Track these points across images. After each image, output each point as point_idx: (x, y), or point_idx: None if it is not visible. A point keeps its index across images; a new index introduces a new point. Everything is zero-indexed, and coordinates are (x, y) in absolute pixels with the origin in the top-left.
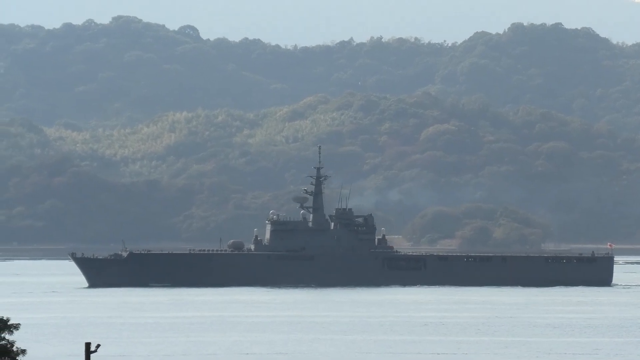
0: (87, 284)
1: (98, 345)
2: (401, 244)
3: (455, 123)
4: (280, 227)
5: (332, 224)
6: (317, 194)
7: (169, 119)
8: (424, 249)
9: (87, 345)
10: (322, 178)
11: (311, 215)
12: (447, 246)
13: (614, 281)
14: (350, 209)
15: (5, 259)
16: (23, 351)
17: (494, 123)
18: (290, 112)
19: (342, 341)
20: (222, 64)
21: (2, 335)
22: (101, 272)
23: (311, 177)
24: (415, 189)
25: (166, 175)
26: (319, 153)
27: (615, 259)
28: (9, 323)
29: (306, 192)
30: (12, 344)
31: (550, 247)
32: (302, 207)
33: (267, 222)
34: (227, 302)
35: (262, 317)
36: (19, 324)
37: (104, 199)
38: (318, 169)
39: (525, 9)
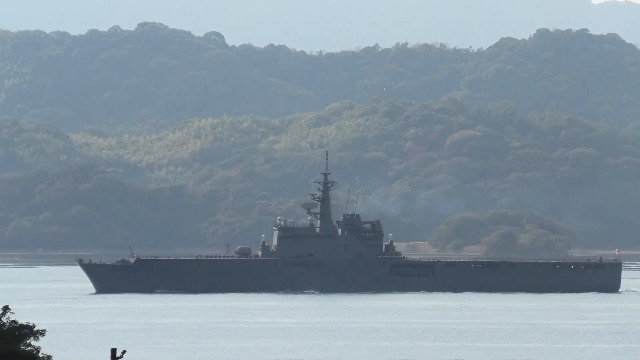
0: (94, 290)
1: (124, 352)
2: (427, 250)
3: (481, 129)
4: (288, 233)
5: (340, 230)
6: (325, 200)
7: (194, 125)
8: (450, 255)
9: (113, 351)
10: (330, 184)
11: (319, 222)
12: (473, 252)
13: (621, 287)
14: (357, 215)
15: (31, 265)
16: (49, 357)
17: (519, 129)
18: (315, 118)
19: (368, 348)
20: (248, 70)
21: (28, 341)
22: (108, 279)
23: (318, 183)
24: (441, 195)
25: (191, 182)
26: (326, 159)
27: (629, 265)
28: (34, 329)
29: (313, 198)
30: (38, 350)
31: (576, 254)
32: (309, 213)
33: (274, 228)
34: (245, 309)
35: (281, 323)
36: (45, 330)
37: (130, 205)
38: (325, 175)
39: (551, 15)
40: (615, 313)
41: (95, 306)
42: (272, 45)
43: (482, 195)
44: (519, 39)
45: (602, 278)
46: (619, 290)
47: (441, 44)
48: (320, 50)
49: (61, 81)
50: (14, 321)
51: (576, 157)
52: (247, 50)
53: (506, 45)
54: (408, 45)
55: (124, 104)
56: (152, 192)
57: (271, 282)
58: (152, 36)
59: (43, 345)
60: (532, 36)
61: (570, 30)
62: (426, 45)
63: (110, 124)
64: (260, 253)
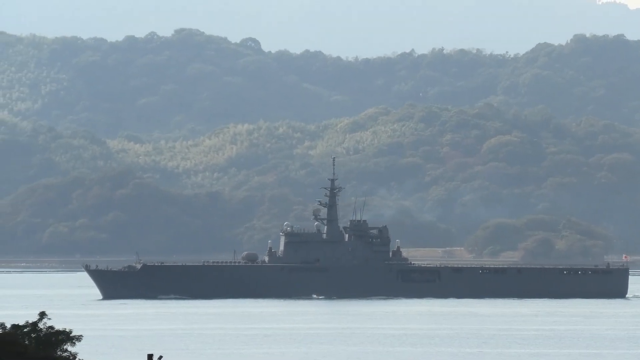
0: (101, 297)
1: (160, 357)
2: (463, 256)
3: (518, 134)
4: (295, 239)
5: (347, 235)
6: (332, 205)
7: (230, 131)
8: (485, 261)
9: (150, 357)
10: (337, 190)
11: (325, 227)
12: (510, 258)
13: (629, 293)
14: (364, 221)
15: (67, 271)
16: None
17: (556, 134)
18: (351, 123)
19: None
20: (283, 76)
21: (65, 347)
22: (115, 284)
23: (325, 188)
24: (478, 200)
25: (227, 187)
26: (333, 165)
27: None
28: (71, 335)
29: (320, 203)
30: (74, 356)
31: (613, 259)
32: (316, 218)
33: (281, 233)
34: (261, 314)
35: (299, 329)
36: (81, 335)
37: (166, 210)
38: (332, 181)
39: (588, 21)
40: (622, 319)
41: (109, 312)
42: (308, 51)
43: (519, 200)
44: (556, 44)
45: (610, 284)
46: (627, 296)
47: (477, 50)
48: (356, 56)
49: (98, 87)
50: (51, 327)
51: (613, 163)
52: (283, 56)
53: (543, 51)
54: (444, 51)
55: (160, 110)
56: (189, 197)
57: (277, 288)
58: (188, 42)
59: (83, 351)
60: (569, 41)
61: (607, 35)
62: (462, 51)
63: (147, 130)
64: (267, 259)
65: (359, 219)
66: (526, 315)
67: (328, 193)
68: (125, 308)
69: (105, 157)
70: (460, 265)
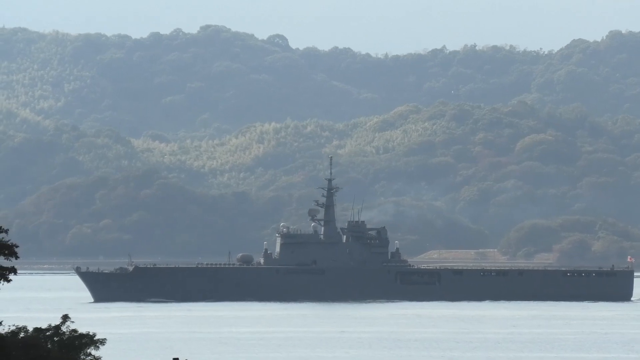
0: (92, 299)
1: None
2: (497, 258)
3: (552, 133)
4: (291, 240)
5: (344, 237)
6: (329, 206)
7: (257, 130)
8: (520, 263)
9: None
10: (334, 190)
11: (322, 228)
12: (545, 260)
13: (634, 296)
14: (362, 222)
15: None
16: None
17: (591, 133)
18: (380, 122)
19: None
20: (312, 74)
21: (88, 350)
22: (106, 287)
23: (322, 188)
24: (511, 201)
25: (254, 187)
26: (330, 164)
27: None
28: (95, 338)
29: (317, 204)
30: (98, 359)
31: None
32: (313, 219)
33: (277, 234)
34: (278, 317)
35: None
36: (105, 339)
37: (192, 211)
38: (329, 180)
39: (624, 17)
40: (626, 322)
41: (99, 315)
42: (336, 48)
43: (553, 201)
44: (591, 40)
45: (614, 286)
46: (632, 299)
47: (511, 46)
48: (386, 53)
49: (122, 85)
50: (74, 330)
51: None
52: (311, 53)
53: (578, 47)
54: (476, 47)
55: (185, 108)
56: (214, 198)
57: (273, 290)
58: (214, 39)
59: (103, 354)
60: (605, 38)
61: None
62: (495, 47)
63: (172, 128)
64: (262, 261)
65: (357, 220)
66: (526, 318)
67: (325, 193)
68: (115, 311)
69: (130, 156)
70: (460, 268)
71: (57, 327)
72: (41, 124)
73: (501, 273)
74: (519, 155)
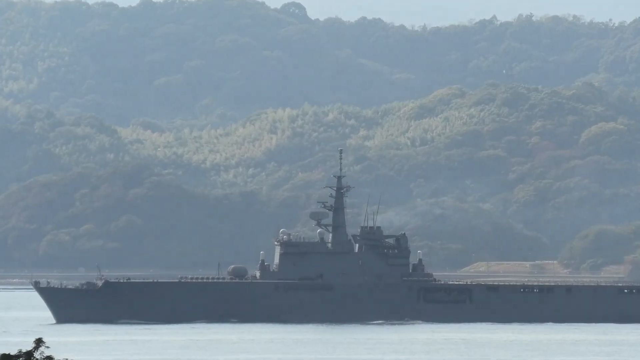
0: (54, 320)
1: None
2: (557, 271)
3: (624, 121)
4: (292, 250)
5: (357, 245)
6: (338, 208)
7: (269, 118)
8: (585, 277)
9: None
10: (344, 189)
11: (330, 235)
12: (615, 274)
13: None
14: (378, 227)
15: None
16: None
17: None
18: (417, 107)
19: None
20: (334, 50)
21: None
22: (70, 306)
23: (331, 188)
24: (575, 202)
25: (265, 186)
26: (340, 158)
27: None
28: None
29: (324, 206)
30: None
31: None
32: (319, 224)
33: (275, 243)
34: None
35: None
36: None
37: (191, 214)
38: (339, 178)
39: None
40: None
41: (64, 339)
42: (364, 18)
43: (625, 203)
44: None
45: None
46: None
47: (574, 17)
48: (424, 24)
49: (107, 63)
50: (50, 357)
51: None
52: (333, 25)
53: None
54: (533, 18)
55: (183, 91)
56: (218, 198)
57: (271, 309)
58: (218, 8)
59: None
60: None
61: None
62: (555, 18)
63: (167, 115)
64: (258, 274)
65: (372, 225)
66: (574, 343)
67: (334, 193)
68: (76, 335)
69: (116, 149)
70: (496, 283)
71: (29, 354)
72: (10, 109)
73: (545, 289)
74: (584, 148)
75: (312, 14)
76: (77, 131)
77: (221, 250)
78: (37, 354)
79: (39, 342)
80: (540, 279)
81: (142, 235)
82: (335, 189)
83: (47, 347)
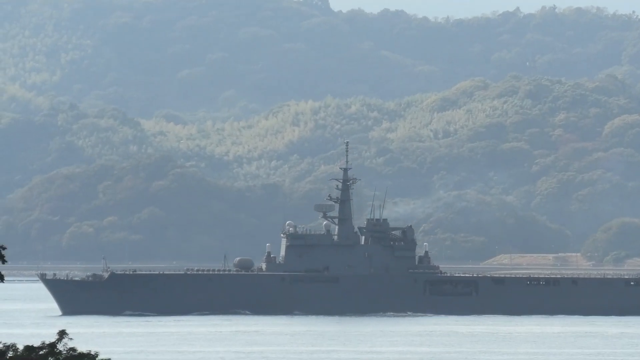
0: (59, 312)
1: None
2: (580, 263)
3: None
4: (298, 242)
5: (363, 238)
6: (344, 200)
7: (291, 110)
8: (608, 270)
9: None
10: (350, 181)
11: (336, 228)
12: (637, 266)
13: None
14: (385, 220)
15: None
16: None
17: None
18: (440, 100)
19: None
20: (357, 42)
21: None
22: (76, 297)
23: (337, 180)
24: (598, 195)
25: (288, 178)
26: (346, 150)
27: None
28: (97, 358)
29: (330, 198)
30: None
31: None
32: (325, 216)
33: (282, 235)
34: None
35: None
36: (109, 359)
37: (213, 207)
38: (345, 170)
39: None
40: None
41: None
42: (387, 10)
43: None
44: None
45: None
46: None
47: (598, 8)
48: (447, 16)
49: (130, 56)
50: (73, 349)
51: None
52: (356, 17)
53: None
54: (557, 10)
55: (205, 83)
56: (240, 191)
57: (277, 301)
58: (240, 0)
59: None
60: None
61: None
62: (579, 10)
63: (189, 108)
64: (264, 266)
65: (378, 217)
66: (579, 336)
67: (340, 185)
68: (82, 327)
69: (139, 141)
70: (502, 276)
71: (53, 345)
72: (33, 101)
73: (551, 282)
74: (607, 140)
75: (334, 5)
76: (100, 123)
77: (242, 242)
78: (60, 346)
79: (62, 334)
80: (563, 272)
81: (164, 227)
82: (341, 181)
83: (71, 338)
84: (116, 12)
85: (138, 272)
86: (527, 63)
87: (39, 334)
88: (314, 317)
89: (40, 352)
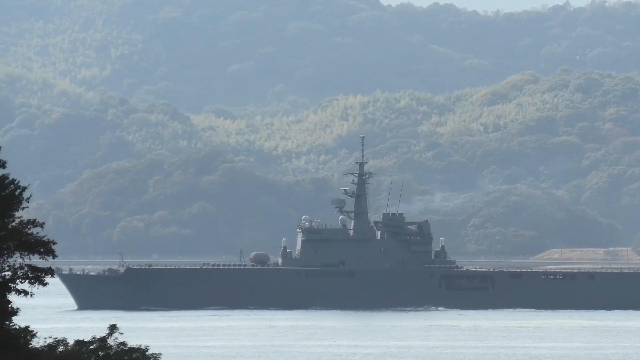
0: (75, 307)
1: None
2: (631, 257)
3: None
4: (314, 237)
5: (379, 232)
6: (360, 195)
7: (340, 104)
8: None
9: None
10: (366, 176)
11: (352, 222)
12: None
13: None
14: (401, 214)
15: None
16: None
17: None
18: (490, 93)
19: None
20: (406, 36)
21: None
22: (92, 292)
23: (353, 174)
24: None
25: (337, 173)
26: (362, 144)
27: None
28: (147, 352)
29: (346, 192)
30: None
31: None
32: (341, 211)
33: (297, 230)
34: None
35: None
36: (160, 353)
37: (263, 201)
38: (361, 165)
39: None
40: None
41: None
42: (436, 4)
43: None
44: None
45: None
46: None
47: None
48: (497, 10)
49: (179, 51)
50: (123, 343)
51: None
52: (405, 11)
53: None
54: (606, 4)
55: (255, 78)
56: (290, 185)
57: (293, 296)
58: None
59: None
60: None
61: None
62: (629, 4)
63: (239, 102)
64: (280, 261)
65: (394, 212)
66: (597, 330)
67: (355, 180)
68: (97, 321)
69: (189, 135)
70: (518, 270)
71: (103, 340)
72: (83, 96)
73: (568, 276)
74: None
75: (383, 0)
76: (150, 118)
77: (292, 235)
78: (110, 340)
79: (112, 328)
80: (614, 266)
81: (214, 221)
82: (357, 175)
83: (121, 333)
84: (166, 7)
85: (154, 267)
86: (577, 57)
87: (56, 329)
88: (329, 311)
89: (91, 347)
